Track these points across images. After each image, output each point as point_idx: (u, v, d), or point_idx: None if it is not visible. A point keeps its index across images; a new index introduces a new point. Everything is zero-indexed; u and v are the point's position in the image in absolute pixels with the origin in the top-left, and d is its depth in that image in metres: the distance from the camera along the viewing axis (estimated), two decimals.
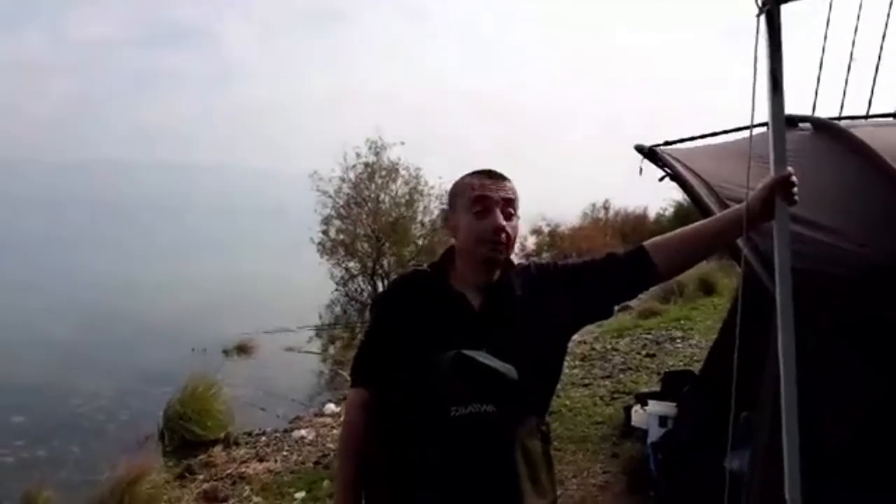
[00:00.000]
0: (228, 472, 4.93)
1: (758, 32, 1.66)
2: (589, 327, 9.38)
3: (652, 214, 24.69)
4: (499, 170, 1.68)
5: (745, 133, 1.90)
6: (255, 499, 4.40)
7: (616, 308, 1.89)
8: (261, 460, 5.13)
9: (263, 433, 5.91)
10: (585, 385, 6.32)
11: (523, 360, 1.56)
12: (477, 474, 1.54)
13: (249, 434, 5.92)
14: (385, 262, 14.47)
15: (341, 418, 3.94)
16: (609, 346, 7.86)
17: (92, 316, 12.53)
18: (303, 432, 5.67)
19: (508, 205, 1.62)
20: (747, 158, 1.90)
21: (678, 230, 1.79)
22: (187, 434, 5.85)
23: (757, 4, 1.66)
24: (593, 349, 7.77)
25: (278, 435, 5.78)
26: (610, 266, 1.73)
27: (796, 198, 1.65)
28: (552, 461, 1.76)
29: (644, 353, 7.48)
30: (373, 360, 1.70)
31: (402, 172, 14.92)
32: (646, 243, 1.75)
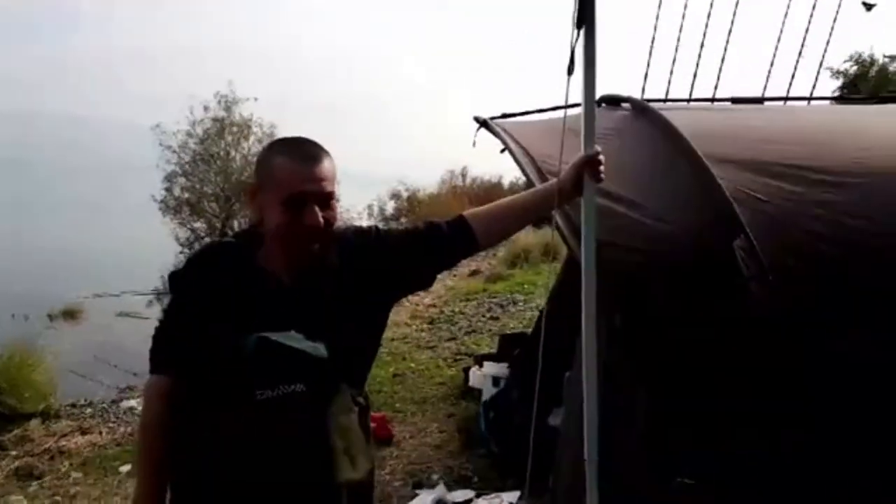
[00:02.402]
0: (46, 446, 4.57)
1: (574, 13, 1.72)
2: (439, 291, 9.60)
3: (506, 183, 25.53)
4: (311, 139, 1.55)
5: (573, 110, 1.98)
6: (75, 474, 4.12)
7: (438, 276, 1.89)
8: (84, 433, 4.80)
9: (90, 404, 5.53)
10: (431, 348, 6.47)
11: (336, 335, 1.50)
12: (290, 454, 1.49)
13: (74, 406, 5.52)
14: (235, 224, 13.88)
15: None
16: (457, 310, 8.09)
17: None
18: (133, 402, 5.35)
19: (327, 196, 1.49)
20: (564, 135, 2.00)
21: (496, 202, 1.81)
22: (0, 407, 5.33)
23: None
24: (441, 312, 7.97)
25: (105, 406, 5.44)
26: (432, 235, 1.71)
27: (603, 176, 1.74)
28: (370, 431, 1.76)
29: (489, 315, 7.77)
30: (175, 343, 1.57)
31: (255, 129, 14.30)
32: (465, 213, 1.77)
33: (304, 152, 1.49)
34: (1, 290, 10.38)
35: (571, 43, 1.63)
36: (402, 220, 18.82)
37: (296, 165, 1.47)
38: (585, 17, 1.61)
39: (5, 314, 8.82)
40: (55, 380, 5.84)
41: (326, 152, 1.54)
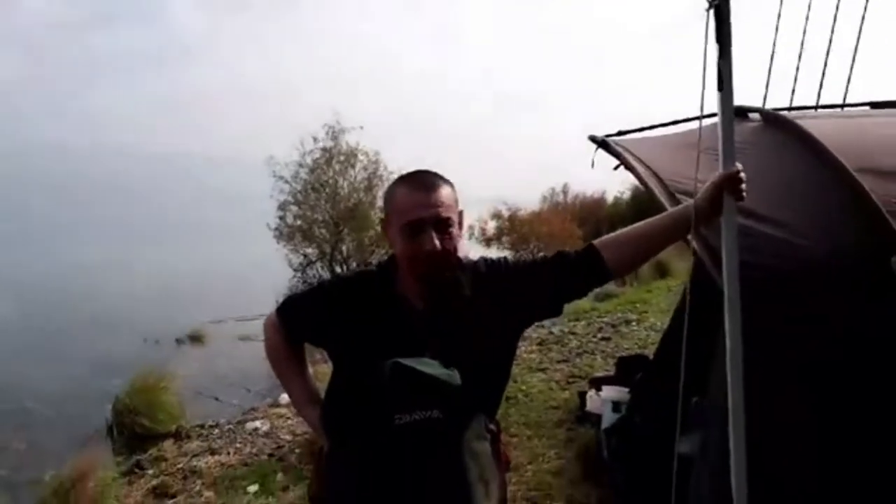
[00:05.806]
0: (179, 466, 4.82)
1: (707, 26, 1.65)
2: None
3: (610, 198, 25.02)
4: (433, 170, 1.60)
5: (695, 124, 1.89)
6: (207, 493, 4.31)
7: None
8: (213, 453, 5.02)
9: (216, 425, 5.79)
10: (542, 370, 6.35)
11: (469, 363, 1.53)
12: (427, 479, 1.54)
13: (202, 426, 5.80)
14: (344, 248, 14.36)
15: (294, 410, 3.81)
16: (566, 330, 7.91)
17: (43, 303, 12.20)
18: (257, 423, 5.57)
19: (444, 222, 1.54)
20: (697, 150, 1.90)
21: (627, 228, 1.75)
22: (137, 428, 5.71)
23: None
24: (550, 333, 7.82)
25: (231, 427, 5.67)
26: (561, 265, 1.69)
27: (745, 194, 1.65)
28: (502, 457, 1.75)
29: (600, 336, 7.56)
30: (298, 317, 1.75)
31: (361, 157, 14.77)
32: (596, 242, 1.72)
33: (421, 181, 1.56)
34: (135, 314, 11.22)
35: (706, 61, 1.57)
36: (504, 239, 18.73)
37: (412, 194, 1.54)
38: (723, 37, 1.54)
39: (138, 338, 9.49)
40: (185, 401, 6.22)
41: (445, 180, 1.58)
